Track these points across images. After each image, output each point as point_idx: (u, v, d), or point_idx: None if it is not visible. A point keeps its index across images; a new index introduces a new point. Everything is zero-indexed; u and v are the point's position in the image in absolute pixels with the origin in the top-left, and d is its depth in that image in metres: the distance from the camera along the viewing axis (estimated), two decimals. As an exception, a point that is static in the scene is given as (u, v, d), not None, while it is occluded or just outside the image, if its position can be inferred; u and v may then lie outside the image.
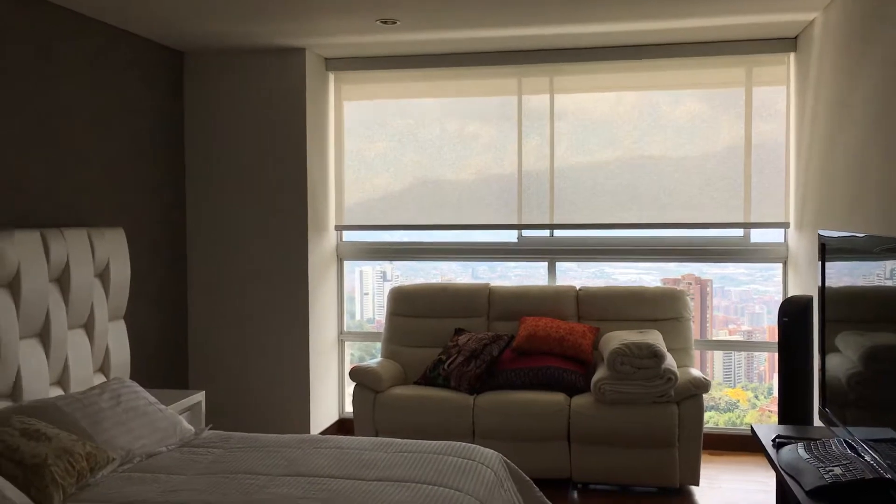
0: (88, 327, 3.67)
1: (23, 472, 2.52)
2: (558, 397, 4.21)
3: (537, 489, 3.23)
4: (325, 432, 5.04)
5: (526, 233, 5.07)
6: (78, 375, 3.56)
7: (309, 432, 4.81)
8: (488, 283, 4.97)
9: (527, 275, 5.33)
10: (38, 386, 3.30)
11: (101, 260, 3.73)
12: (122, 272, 3.87)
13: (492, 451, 3.19)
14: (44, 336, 3.37)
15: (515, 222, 5.04)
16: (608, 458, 4.10)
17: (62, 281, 3.48)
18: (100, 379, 3.75)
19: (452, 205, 5.11)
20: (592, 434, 4.09)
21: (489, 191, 5.07)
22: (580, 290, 4.83)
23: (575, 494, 4.17)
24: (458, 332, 4.75)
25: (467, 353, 4.48)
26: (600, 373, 4.18)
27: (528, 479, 3.21)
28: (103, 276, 3.78)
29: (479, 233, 5.10)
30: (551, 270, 5.12)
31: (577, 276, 5.25)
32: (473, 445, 3.20)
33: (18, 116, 3.48)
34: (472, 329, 4.80)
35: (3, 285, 3.15)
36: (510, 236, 5.10)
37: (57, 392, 3.45)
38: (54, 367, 3.42)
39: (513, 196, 5.03)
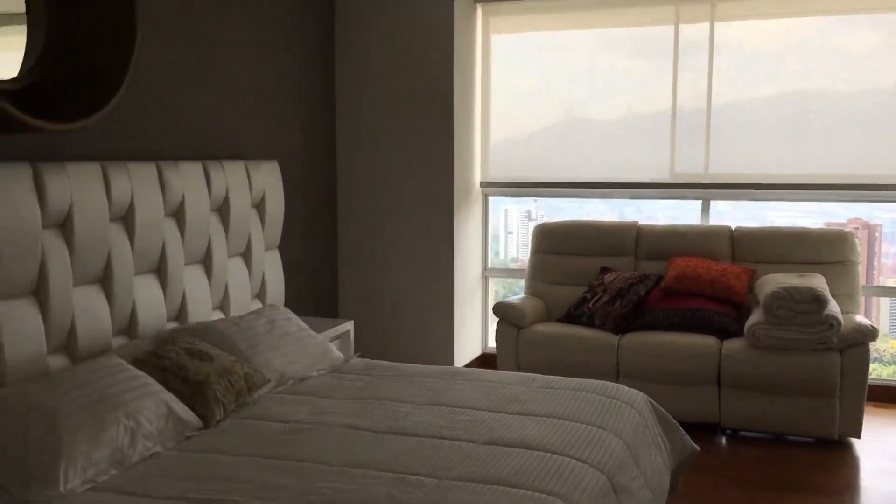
0: (246, 256, 3.84)
1: (188, 388, 2.69)
2: (709, 340, 4.05)
3: (684, 432, 3.13)
4: (467, 366, 5.11)
5: (679, 168, 4.84)
6: (237, 301, 3.75)
7: (452, 365, 4.89)
8: (636, 222, 4.81)
9: (676, 216, 5.11)
10: (201, 309, 3.51)
11: (258, 191, 3.88)
12: (276, 204, 4.02)
13: (637, 391, 3.11)
14: (206, 263, 3.56)
15: (667, 162, 4.82)
16: (761, 405, 3.92)
17: (222, 211, 3.65)
18: (256, 305, 3.94)
19: (600, 143, 4.94)
20: (745, 379, 3.92)
21: (639, 129, 4.86)
22: (735, 229, 4.59)
23: (723, 440, 4.03)
24: (604, 270, 4.65)
25: (613, 292, 4.38)
26: (755, 317, 3.98)
27: (674, 421, 3.12)
28: (259, 207, 3.93)
29: (628, 173, 4.92)
30: (704, 210, 4.88)
31: (732, 218, 4.97)
32: (618, 384, 3.14)
33: (183, 52, 3.63)
34: (619, 268, 4.68)
35: (169, 214, 3.33)
36: (661, 175, 4.89)
37: (218, 316, 3.66)
38: (216, 292, 3.62)
39: (664, 135, 4.80)
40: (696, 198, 4.86)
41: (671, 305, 4.27)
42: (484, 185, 5.20)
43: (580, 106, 4.98)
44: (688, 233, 4.63)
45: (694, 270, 4.34)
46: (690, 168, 4.79)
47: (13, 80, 2.77)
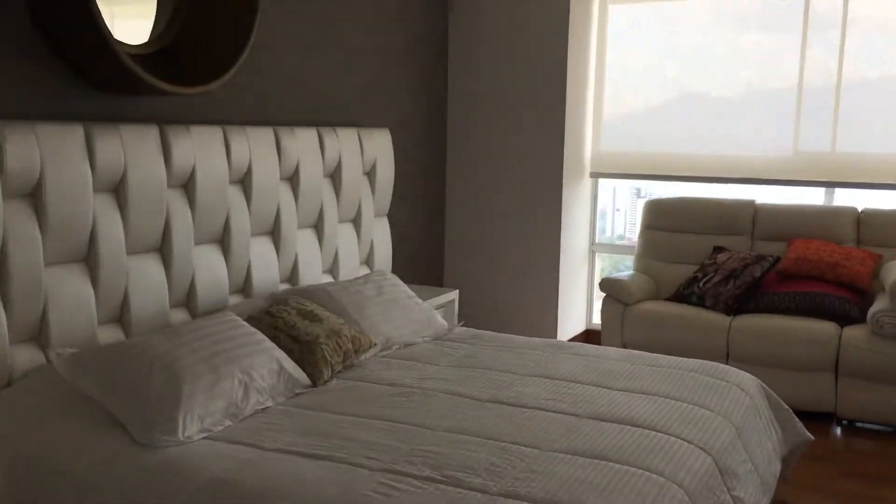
0: (356, 222, 3.91)
1: (298, 347, 2.77)
2: (827, 326, 3.87)
3: (797, 420, 3.02)
4: (571, 341, 5.06)
5: (803, 146, 4.60)
6: (346, 266, 3.83)
7: (555, 339, 4.86)
8: (754, 200, 4.63)
9: (798, 195, 4.87)
10: (312, 272, 3.60)
11: (369, 159, 3.93)
12: (387, 171, 4.07)
13: (748, 374, 3.01)
14: (318, 227, 3.65)
15: (790, 140, 4.59)
16: (882, 396, 3.73)
17: (335, 177, 3.72)
18: (364, 271, 4.01)
19: (717, 120, 4.76)
20: (865, 368, 3.73)
21: (760, 106, 4.65)
22: (862, 211, 4.35)
23: (838, 431, 3.86)
24: (718, 249, 4.50)
25: (726, 273, 4.24)
26: (880, 304, 3.77)
27: (787, 407, 3.00)
28: (370, 174, 3.99)
29: (747, 150, 4.71)
30: (829, 190, 4.64)
31: (857, 199, 4.69)
32: (728, 366, 3.04)
33: (302, 20, 3.70)
34: (733, 248, 4.52)
35: (284, 179, 3.42)
36: (782, 153, 4.66)
37: (327, 279, 3.75)
38: (326, 256, 3.71)
39: (788, 112, 4.57)
40: (822, 184, 4.60)
41: (788, 289, 4.09)
42: (595, 161, 5.10)
43: (697, 81, 4.80)
44: (809, 213, 4.42)
45: (815, 253, 4.14)
46: (815, 146, 4.56)
47: (143, 44, 2.89)
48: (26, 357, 2.46)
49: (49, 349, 2.48)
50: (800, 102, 4.55)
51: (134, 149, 2.70)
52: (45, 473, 2.08)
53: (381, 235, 4.11)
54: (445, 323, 3.52)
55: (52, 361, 2.46)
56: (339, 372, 2.85)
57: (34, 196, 2.45)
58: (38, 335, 2.51)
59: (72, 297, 2.56)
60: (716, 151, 4.78)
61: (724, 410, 2.60)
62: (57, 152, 2.46)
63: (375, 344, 3.07)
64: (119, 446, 2.14)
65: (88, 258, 2.63)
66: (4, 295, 2.38)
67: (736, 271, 4.22)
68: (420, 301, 3.54)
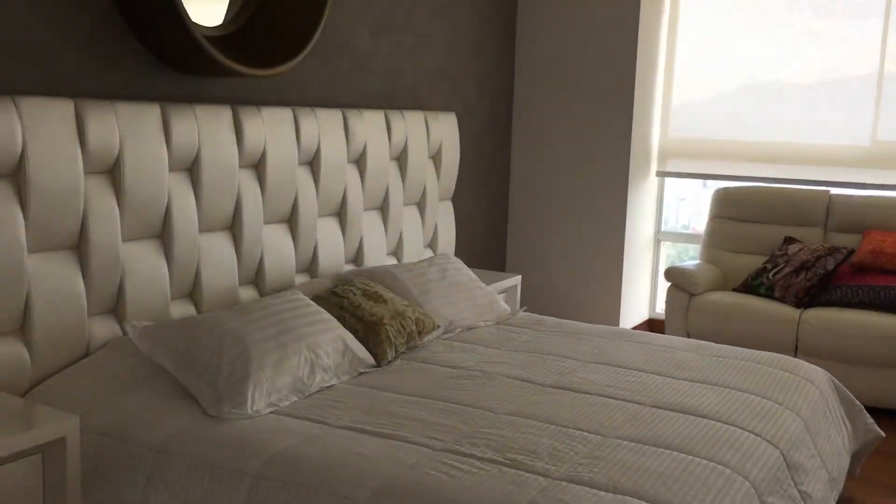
0: (421, 205, 3.93)
1: (363, 326, 2.81)
2: (903, 322, 3.74)
3: (868, 416, 2.94)
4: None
5: (882, 136, 4.45)
6: (409, 248, 3.86)
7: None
8: (828, 190, 4.49)
9: (873, 188, 4.72)
10: (376, 254, 3.64)
11: (435, 142, 3.94)
12: (452, 155, 4.07)
13: (818, 368, 2.94)
14: (384, 210, 3.68)
15: (868, 133, 4.44)
16: (959, 397, 3.60)
17: (400, 160, 3.75)
18: (428, 254, 4.04)
19: (790, 110, 4.62)
20: (942, 367, 3.60)
21: (837, 96, 4.50)
22: (944, 204, 4.19)
23: (911, 430, 3.74)
24: (789, 240, 4.39)
25: (797, 264, 4.14)
26: (960, 300, 3.63)
27: (858, 403, 2.92)
28: (435, 157, 4.00)
29: (821, 139, 4.57)
30: (908, 181, 4.48)
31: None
32: (797, 359, 2.97)
33: (370, 3, 3.72)
34: (805, 239, 4.40)
35: (351, 161, 3.46)
36: (859, 142, 4.51)
37: (391, 261, 3.78)
38: (390, 239, 3.74)
39: (867, 103, 4.41)
40: (900, 168, 4.47)
41: (862, 282, 3.97)
42: (662, 149, 5.02)
43: (771, 68, 4.67)
44: (887, 205, 4.28)
45: (892, 246, 4.01)
46: (895, 136, 4.40)
47: (218, 26, 2.95)
48: (103, 329, 2.55)
49: (125, 322, 2.57)
50: (880, 90, 4.39)
51: (208, 129, 2.77)
52: (121, 441, 2.16)
53: (444, 219, 4.12)
54: (508, 307, 3.52)
55: (127, 333, 2.54)
56: (403, 353, 2.88)
57: (113, 173, 2.52)
58: (115, 308, 2.60)
59: (147, 272, 2.64)
60: (789, 139, 4.66)
61: (792, 404, 2.55)
62: (135, 131, 2.53)
63: (439, 326, 3.09)
64: (191, 418, 2.21)
65: (163, 235, 2.71)
66: (84, 268, 2.46)
67: (808, 263, 4.11)
68: (483, 285, 3.54)
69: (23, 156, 2.26)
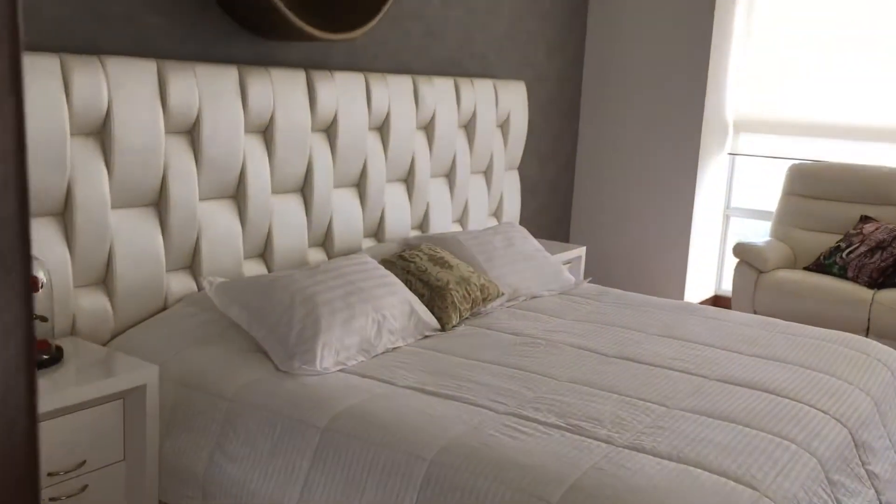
0: (487, 174, 3.94)
1: (429, 291, 2.84)
2: (983, 306, 3.62)
3: (942, 400, 2.86)
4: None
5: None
6: (475, 216, 3.88)
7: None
8: (909, 169, 4.34)
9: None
10: (442, 221, 3.67)
11: (503, 111, 3.94)
12: (520, 124, 4.06)
13: (891, 349, 2.87)
14: (450, 177, 3.70)
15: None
16: None
17: (468, 128, 3.75)
18: (493, 222, 4.05)
19: (870, 86, 4.46)
20: None
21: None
22: None
23: None
24: (865, 219, 4.27)
25: (872, 244, 4.02)
26: None
27: (932, 387, 2.84)
28: (503, 126, 4.00)
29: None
30: None
31: None
32: (869, 339, 2.91)
33: (442, -30, 3.72)
34: (882, 218, 4.27)
35: (420, 127, 3.48)
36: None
37: (456, 229, 3.81)
38: (456, 206, 3.76)
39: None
40: None
41: (941, 264, 3.85)
42: (737, 122, 4.91)
43: (850, 43, 4.51)
44: (971, 185, 4.11)
45: (974, 227, 3.86)
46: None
47: (294, -8, 2.98)
48: (180, 284, 2.65)
49: (200, 278, 2.65)
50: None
51: (282, 92, 2.82)
52: (196, 390, 2.24)
53: (510, 188, 4.12)
54: (572, 278, 3.52)
55: (203, 289, 2.63)
56: (467, 318, 2.91)
57: (192, 134, 2.60)
58: (191, 265, 2.69)
59: (222, 231, 2.72)
60: (866, 118, 4.50)
61: (862, 383, 2.50)
62: (214, 93, 2.60)
63: (503, 293, 3.11)
64: (263, 372, 2.28)
65: (237, 195, 2.78)
66: (164, 225, 2.55)
67: (884, 243, 4.00)
68: (548, 254, 3.55)
69: (108, 114, 2.34)
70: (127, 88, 2.37)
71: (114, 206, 2.42)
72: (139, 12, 2.51)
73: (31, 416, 0.59)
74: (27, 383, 0.58)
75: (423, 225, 3.60)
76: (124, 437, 2.15)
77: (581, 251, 4.20)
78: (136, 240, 2.47)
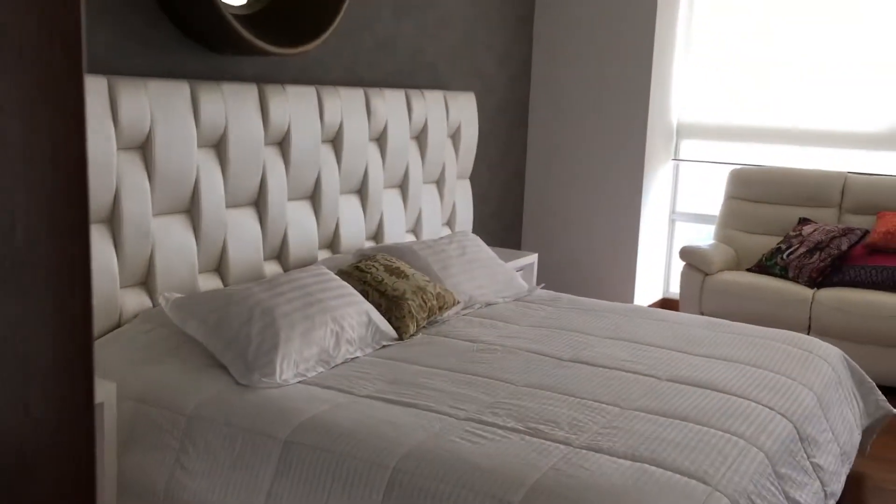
0: (440, 183, 3.99)
1: (385, 301, 2.87)
2: (916, 302, 3.78)
3: (880, 393, 2.99)
4: (647, 309, 5.07)
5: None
6: (428, 226, 3.92)
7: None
8: (845, 171, 4.52)
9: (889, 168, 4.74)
10: (396, 231, 3.70)
11: (454, 121, 3.99)
12: (471, 134, 4.12)
13: (831, 346, 2.99)
14: (403, 188, 3.73)
15: (885, 114, 4.45)
16: (970, 377, 3.64)
17: (420, 139, 3.80)
18: (446, 231, 4.09)
19: (810, 92, 4.64)
20: (953, 347, 3.64)
21: (861, 74, 4.52)
22: (959, 186, 4.21)
23: (922, 409, 3.79)
24: (803, 221, 4.43)
25: (811, 245, 4.18)
26: (973, 281, 3.67)
27: (870, 381, 2.98)
28: (454, 136, 4.05)
29: (842, 123, 4.60)
30: (924, 162, 4.50)
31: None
32: (811, 337, 3.03)
33: (391, -17, 3.76)
34: (820, 220, 4.44)
35: (373, 139, 3.51)
36: (875, 123, 4.53)
37: (410, 238, 3.85)
38: (410, 216, 3.80)
39: (887, 87, 4.43)
40: (916, 149, 4.48)
41: (876, 263, 4.01)
42: (681, 127, 5.05)
43: (791, 46, 4.68)
44: (902, 186, 4.30)
45: (906, 227, 4.04)
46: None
47: (244, 6, 3.00)
48: (134, 300, 2.63)
49: (155, 293, 2.64)
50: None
51: (235, 106, 2.82)
52: (155, 407, 2.24)
53: (462, 197, 4.18)
54: (526, 284, 3.58)
55: (159, 304, 2.62)
56: (424, 327, 2.95)
57: (144, 149, 2.59)
58: (146, 280, 2.68)
59: (176, 246, 2.71)
60: (808, 124, 4.68)
61: (805, 379, 2.61)
62: (165, 108, 2.60)
63: (459, 302, 3.15)
64: (222, 387, 2.28)
65: (191, 210, 2.77)
66: (117, 241, 2.54)
67: (822, 243, 4.15)
68: (502, 262, 3.60)
69: (59, 131, 2.32)
70: (78, 105, 2.35)
71: (66, 224, 2.40)
72: (88, 29, 2.50)
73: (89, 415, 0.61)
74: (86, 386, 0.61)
75: (377, 235, 3.63)
76: (82, 456, 2.13)
77: (533, 258, 4.27)
78: (89, 257, 2.45)
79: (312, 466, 1.99)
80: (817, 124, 4.67)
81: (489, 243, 4.79)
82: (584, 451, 1.97)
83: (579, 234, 5.02)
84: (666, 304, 5.23)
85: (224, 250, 2.90)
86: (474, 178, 4.54)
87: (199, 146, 2.76)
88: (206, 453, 2.13)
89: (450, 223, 4.13)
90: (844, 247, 4.11)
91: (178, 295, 2.56)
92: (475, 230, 4.60)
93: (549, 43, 4.95)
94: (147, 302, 2.67)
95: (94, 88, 2.40)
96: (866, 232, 4.18)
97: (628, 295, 4.90)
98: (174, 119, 2.63)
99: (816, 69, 4.63)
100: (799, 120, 4.71)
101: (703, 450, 2.01)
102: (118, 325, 2.58)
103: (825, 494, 2.35)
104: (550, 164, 5.05)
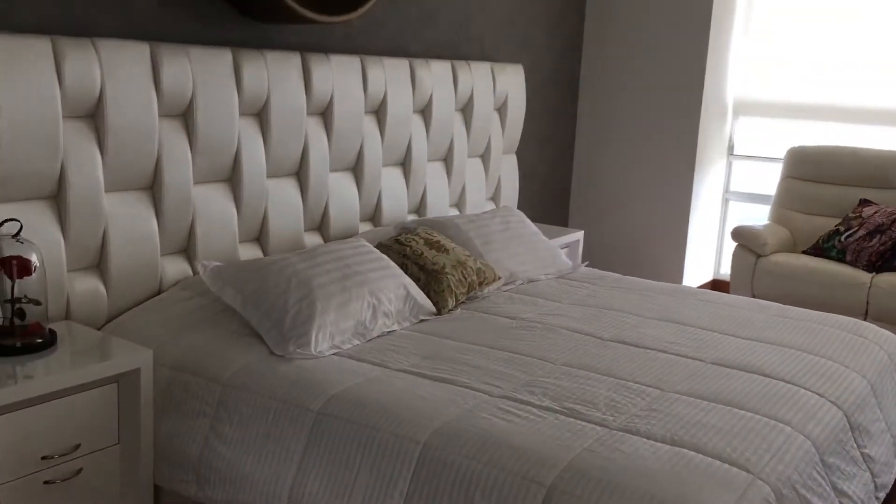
0: (485, 158, 3.92)
1: (425, 275, 2.84)
2: (981, 290, 3.61)
3: (939, 383, 2.85)
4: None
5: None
6: (473, 200, 3.86)
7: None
8: (909, 152, 4.33)
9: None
10: (439, 204, 3.66)
11: (501, 94, 3.91)
12: (518, 107, 4.04)
13: (888, 332, 2.86)
14: (448, 161, 3.68)
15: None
16: None
17: (466, 111, 3.73)
18: (490, 206, 4.04)
19: (871, 72, 4.44)
20: None
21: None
22: None
23: (984, 401, 3.62)
24: (864, 203, 4.25)
25: (871, 227, 4.01)
26: None
27: (928, 370, 2.84)
28: (501, 110, 3.97)
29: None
30: None
31: None
32: (866, 322, 2.90)
33: (439, -49, 3.68)
34: (882, 202, 4.26)
35: (417, 111, 3.46)
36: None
37: (453, 212, 3.80)
38: (454, 190, 3.75)
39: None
40: None
41: (940, 247, 3.84)
42: (737, 104, 4.89)
43: (854, 22, 4.48)
44: (971, 168, 4.10)
45: (974, 210, 3.85)
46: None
47: (289, -27, 2.96)
48: (175, 268, 2.64)
49: (195, 261, 2.65)
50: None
51: (277, 75, 2.80)
52: (191, 374, 2.24)
53: (508, 172, 4.11)
54: (570, 262, 3.51)
55: (198, 273, 2.62)
56: (463, 302, 2.91)
57: (185, 117, 2.58)
58: (186, 248, 2.68)
59: (217, 215, 2.71)
60: (869, 102, 4.48)
61: (859, 366, 2.50)
62: (208, 75, 2.58)
63: (499, 277, 3.10)
64: (257, 356, 2.28)
65: (233, 178, 2.77)
66: (158, 208, 2.54)
67: (882, 226, 3.98)
68: (545, 238, 3.54)
69: (101, 97, 2.33)
70: (120, 71, 2.35)
71: (107, 190, 2.41)
72: (132, -6, 2.49)
73: None
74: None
75: (420, 209, 3.59)
76: (119, 421, 2.14)
77: (579, 235, 4.19)
78: (130, 223, 2.47)
79: (343, 439, 1.97)
80: (879, 102, 4.47)
81: (535, 220, 4.71)
82: (620, 433, 1.91)
83: (628, 212, 4.91)
84: (716, 285, 5.10)
85: (265, 220, 2.89)
86: (521, 153, 4.46)
87: (241, 115, 2.75)
88: (239, 422, 2.12)
89: (494, 198, 4.07)
90: (907, 230, 3.94)
91: (217, 263, 2.56)
92: (521, 206, 4.53)
93: (601, 14, 4.82)
94: (188, 270, 2.68)
95: (137, 55, 2.39)
96: (931, 215, 4.00)
97: (678, 275, 4.79)
98: (216, 87, 2.61)
99: (879, 46, 4.42)
100: (859, 98, 4.51)
101: (747, 436, 1.93)
102: (159, 292, 2.60)
103: (875, 486, 2.25)
104: (600, 140, 4.94)
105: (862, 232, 4.03)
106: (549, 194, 4.87)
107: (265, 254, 2.91)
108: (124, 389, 2.14)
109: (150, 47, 2.44)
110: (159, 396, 2.26)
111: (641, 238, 4.88)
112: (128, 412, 2.14)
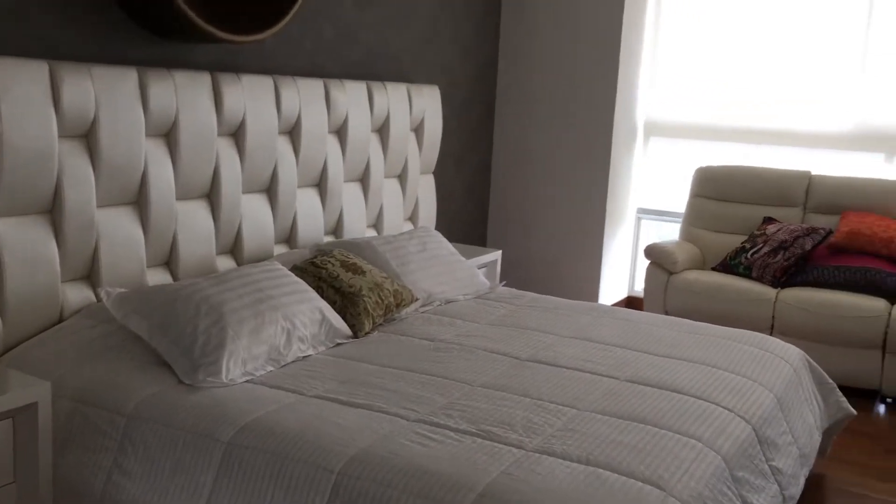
0: (402, 178, 3.91)
1: (341, 297, 2.80)
2: (878, 303, 3.78)
3: (840, 394, 2.97)
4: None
5: (864, 119, 4.46)
6: (390, 221, 3.84)
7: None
8: (809, 171, 4.51)
9: (854, 169, 4.74)
10: (357, 226, 3.62)
11: (417, 115, 3.91)
12: (435, 128, 4.05)
13: (793, 346, 2.96)
14: (364, 182, 3.65)
15: (851, 116, 4.46)
16: (929, 378, 3.65)
17: (382, 132, 3.72)
18: (408, 227, 4.02)
19: (776, 88, 4.63)
20: (914, 348, 3.64)
21: (822, 74, 4.51)
22: (922, 187, 4.22)
23: (882, 409, 3.79)
24: (768, 220, 4.41)
25: (775, 244, 4.16)
26: (934, 282, 3.67)
27: (831, 381, 2.95)
28: (418, 130, 3.97)
29: (805, 123, 4.60)
30: (889, 164, 4.51)
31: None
32: (771, 337, 3.00)
33: (353, -28, 3.67)
34: (785, 219, 4.43)
35: (332, 131, 3.43)
36: (840, 123, 4.53)
37: (371, 234, 3.77)
38: (371, 211, 3.72)
39: (853, 81, 4.43)
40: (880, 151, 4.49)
41: (839, 263, 4.00)
42: (647, 125, 5.02)
43: (757, 47, 4.66)
44: (866, 186, 4.30)
45: (869, 228, 4.04)
46: (883, 120, 4.42)
47: (198, -9, 2.89)
48: (77, 295, 2.53)
49: (99, 288, 2.54)
50: (864, 69, 4.40)
51: (186, 95, 2.73)
52: (93, 406, 2.14)
53: (426, 192, 4.10)
54: (487, 282, 3.52)
55: (101, 300, 2.52)
56: (380, 325, 2.88)
57: (88, 137, 2.49)
58: (89, 274, 2.57)
59: (122, 239, 2.61)
60: (774, 125, 4.67)
61: (765, 380, 2.57)
62: (111, 95, 2.49)
63: (417, 299, 3.08)
64: (165, 386, 2.19)
65: (139, 201, 2.67)
66: (58, 233, 2.43)
67: (786, 243, 4.14)
68: (463, 259, 3.54)
69: (-5, 117, 2.21)
70: (16, 90, 2.24)
71: (2, 214, 2.29)
72: (29, 9, 2.39)
73: None
74: None
75: (336, 230, 3.55)
76: (14, 458, 2.03)
77: (497, 255, 4.21)
78: (27, 248, 2.35)
79: (255, 470, 1.91)
80: (782, 124, 4.66)
81: (453, 240, 4.72)
82: (536, 455, 1.91)
83: (545, 230, 4.97)
84: (631, 302, 5.20)
85: (174, 244, 2.80)
86: (439, 174, 4.47)
87: (148, 136, 2.66)
88: (144, 455, 2.04)
89: (412, 218, 4.06)
90: (808, 246, 4.10)
91: (122, 290, 2.46)
92: (439, 226, 4.53)
93: (515, 37, 4.89)
94: (92, 297, 2.57)
95: (35, 73, 2.29)
96: (830, 232, 4.17)
97: (593, 293, 4.86)
98: (120, 107, 2.52)
99: (781, 69, 4.62)
100: (764, 119, 4.70)
101: (659, 454, 1.95)
102: (60, 321, 2.48)
103: (783, 498, 2.32)
104: (517, 160, 4.99)
105: (766, 249, 4.17)
106: (466, 214, 4.89)
107: (175, 279, 2.82)
108: (20, 425, 2.02)
109: (49, 66, 2.35)
110: (59, 430, 2.15)
111: (558, 256, 4.94)
112: (24, 448, 2.03)
